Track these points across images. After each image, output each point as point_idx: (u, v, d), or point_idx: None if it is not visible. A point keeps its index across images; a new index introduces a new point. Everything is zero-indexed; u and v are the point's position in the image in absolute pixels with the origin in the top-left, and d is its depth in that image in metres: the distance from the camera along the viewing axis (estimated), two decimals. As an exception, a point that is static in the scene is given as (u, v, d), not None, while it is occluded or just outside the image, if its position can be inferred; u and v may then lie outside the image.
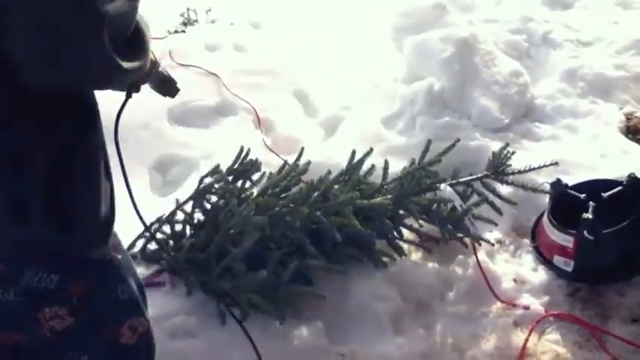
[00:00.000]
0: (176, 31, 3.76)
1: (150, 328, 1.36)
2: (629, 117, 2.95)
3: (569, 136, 2.81)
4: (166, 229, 2.23)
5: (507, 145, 2.38)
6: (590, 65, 3.22)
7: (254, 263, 1.99)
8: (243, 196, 2.20)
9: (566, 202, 2.16)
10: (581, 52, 3.39)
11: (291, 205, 2.05)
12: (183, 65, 3.30)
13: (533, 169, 2.29)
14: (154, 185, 2.70)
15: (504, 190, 2.34)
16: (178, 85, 1.65)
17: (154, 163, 2.77)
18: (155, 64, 1.42)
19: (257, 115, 2.98)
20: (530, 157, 2.62)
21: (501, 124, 2.82)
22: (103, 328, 1.25)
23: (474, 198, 2.25)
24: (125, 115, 3.25)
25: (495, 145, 2.55)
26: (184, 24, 3.89)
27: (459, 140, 2.29)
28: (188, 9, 3.93)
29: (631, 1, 3.87)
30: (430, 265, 2.23)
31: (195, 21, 3.93)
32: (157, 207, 2.42)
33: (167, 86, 1.62)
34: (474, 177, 2.27)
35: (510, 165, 2.29)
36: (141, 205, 2.50)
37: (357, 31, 3.73)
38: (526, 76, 3.04)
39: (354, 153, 2.30)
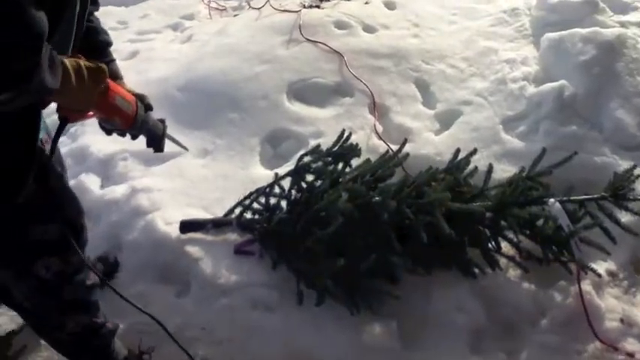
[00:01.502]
0: (311, 6, 3.78)
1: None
2: None
3: None
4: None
5: (635, 166, 2.10)
6: None
7: (336, 249, 1.97)
8: (340, 179, 2.17)
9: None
10: None
11: (382, 196, 1.99)
12: (310, 41, 3.32)
13: (661, 197, 2.01)
14: (264, 157, 2.76)
15: (626, 216, 2.10)
16: (166, 148, 1.79)
17: (267, 136, 2.83)
18: (139, 117, 1.55)
19: (373, 100, 2.93)
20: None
21: (637, 141, 2.52)
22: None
23: (586, 220, 2.04)
24: (247, 84, 3.34)
25: (625, 165, 2.29)
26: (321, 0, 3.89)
27: (576, 153, 2.06)
28: (326, -16, 3.93)
29: None
30: (526, 285, 2.07)
31: (333, -3, 3.92)
32: (262, 178, 2.48)
33: (152, 140, 1.75)
34: (589, 197, 2.05)
35: (634, 189, 2.03)
36: (248, 175, 2.61)
37: (495, 23, 3.50)
38: (677, 92, 2.68)
39: (457, 151, 2.18)
